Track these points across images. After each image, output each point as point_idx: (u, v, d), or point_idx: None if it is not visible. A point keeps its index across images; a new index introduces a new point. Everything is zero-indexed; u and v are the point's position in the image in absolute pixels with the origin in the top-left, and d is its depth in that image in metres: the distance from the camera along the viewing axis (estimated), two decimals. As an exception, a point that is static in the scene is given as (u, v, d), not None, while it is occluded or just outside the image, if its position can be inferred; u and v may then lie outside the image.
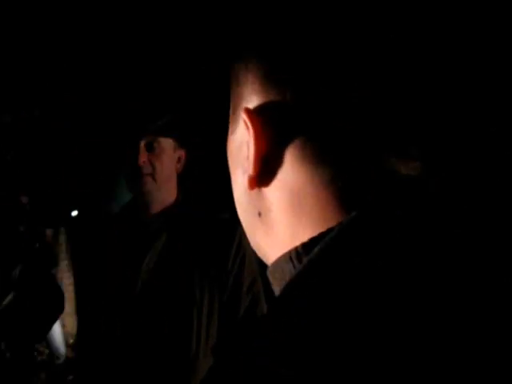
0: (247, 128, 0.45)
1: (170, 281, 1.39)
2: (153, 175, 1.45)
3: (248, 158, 0.46)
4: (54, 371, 4.00)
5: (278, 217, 0.46)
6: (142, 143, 1.44)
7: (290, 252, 0.43)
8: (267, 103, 0.45)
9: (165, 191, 1.50)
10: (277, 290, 0.46)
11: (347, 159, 0.41)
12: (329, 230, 0.40)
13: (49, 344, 4.16)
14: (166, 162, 1.48)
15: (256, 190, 0.48)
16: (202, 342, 1.35)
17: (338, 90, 0.41)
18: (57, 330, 4.01)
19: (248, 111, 0.45)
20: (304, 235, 0.43)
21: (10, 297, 2.17)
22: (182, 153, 1.54)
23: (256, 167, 0.46)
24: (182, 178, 1.57)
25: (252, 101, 0.46)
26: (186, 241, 1.44)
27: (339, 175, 0.41)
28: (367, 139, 0.40)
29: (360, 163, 0.41)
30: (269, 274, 0.48)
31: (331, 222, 0.41)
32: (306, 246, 0.42)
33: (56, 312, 2.42)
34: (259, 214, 0.49)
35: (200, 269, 1.39)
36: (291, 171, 0.44)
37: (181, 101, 1.49)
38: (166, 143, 1.48)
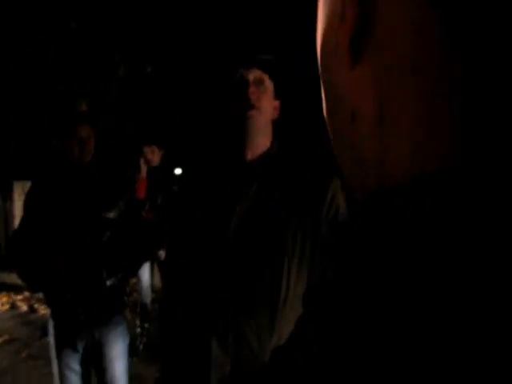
0: None
1: (262, 227, 1.40)
2: (259, 109, 1.44)
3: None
4: (146, 313, 4.29)
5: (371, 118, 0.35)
6: (251, 77, 1.45)
7: (377, 193, 0.34)
8: None
9: (264, 134, 1.49)
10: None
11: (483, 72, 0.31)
12: (438, 172, 0.30)
13: (138, 288, 4.47)
14: (269, 104, 1.48)
15: (356, 74, 0.35)
16: (291, 289, 1.37)
17: None
18: (145, 278, 4.28)
19: None
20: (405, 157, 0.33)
21: (108, 233, 2.36)
22: (277, 103, 1.54)
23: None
24: (276, 130, 1.56)
25: None
26: (280, 188, 1.44)
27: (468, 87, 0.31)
28: None
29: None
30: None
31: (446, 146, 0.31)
32: (403, 188, 0.32)
33: (148, 248, 2.60)
34: (352, 116, 0.36)
35: (293, 217, 1.40)
36: (413, 37, 0.31)
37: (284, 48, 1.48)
38: (269, 84, 1.48)
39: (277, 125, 1.54)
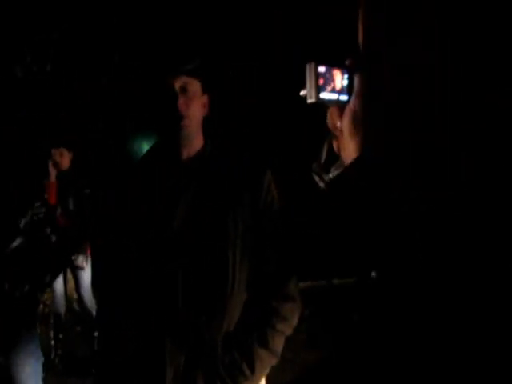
0: None
1: (205, 222, 1.45)
2: (190, 118, 1.48)
3: None
4: (59, 324, 4.07)
5: None
6: (177, 85, 1.46)
7: None
8: None
9: (197, 135, 1.54)
10: None
11: None
12: None
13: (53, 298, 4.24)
14: (197, 105, 1.51)
15: None
16: (237, 277, 1.44)
17: None
18: (58, 286, 4.07)
19: None
20: None
21: (17, 241, 2.20)
22: (206, 98, 1.57)
23: None
24: (206, 124, 1.60)
25: None
26: (217, 183, 1.50)
27: None
28: None
29: None
30: None
31: None
32: None
33: (64, 255, 2.45)
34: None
35: (232, 209, 1.46)
36: None
37: (209, 45, 1.51)
38: (197, 86, 1.51)
39: (209, 121, 1.57)
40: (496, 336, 0.30)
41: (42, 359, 2.46)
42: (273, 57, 7.11)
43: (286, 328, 1.49)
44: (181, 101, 1.45)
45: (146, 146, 1.70)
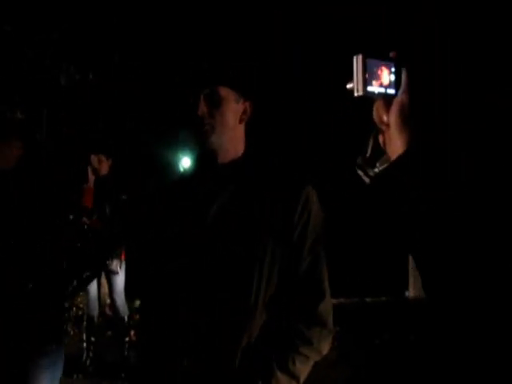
0: None
1: (235, 232, 1.43)
2: (213, 126, 1.46)
3: None
4: (92, 327, 4.15)
5: None
6: (202, 95, 1.46)
7: None
8: None
9: (229, 142, 1.51)
10: None
11: None
12: None
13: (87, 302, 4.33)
14: (227, 113, 1.49)
15: None
16: (262, 293, 1.41)
17: None
18: (92, 290, 4.15)
19: None
20: None
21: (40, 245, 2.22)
22: (247, 104, 1.53)
23: None
24: (252, 131, 1.58)
25: None
26: (251, 193, 1.48)
27: None
28: None
29: None
30: None
31: None
32: None
33: (96, 259, 2.48)
34: None
35: (265, 222, 1.43)
36: None
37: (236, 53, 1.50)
38: (227, 93, 1.49)
39: (253, 127, 1.55)
40: (498, 335, 0.30)
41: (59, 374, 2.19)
42: (273, 57, 7.02)
43: (312, 353, 1.42)
44: (203, 109, 1.45)
45: (182, 156, 1.72)
